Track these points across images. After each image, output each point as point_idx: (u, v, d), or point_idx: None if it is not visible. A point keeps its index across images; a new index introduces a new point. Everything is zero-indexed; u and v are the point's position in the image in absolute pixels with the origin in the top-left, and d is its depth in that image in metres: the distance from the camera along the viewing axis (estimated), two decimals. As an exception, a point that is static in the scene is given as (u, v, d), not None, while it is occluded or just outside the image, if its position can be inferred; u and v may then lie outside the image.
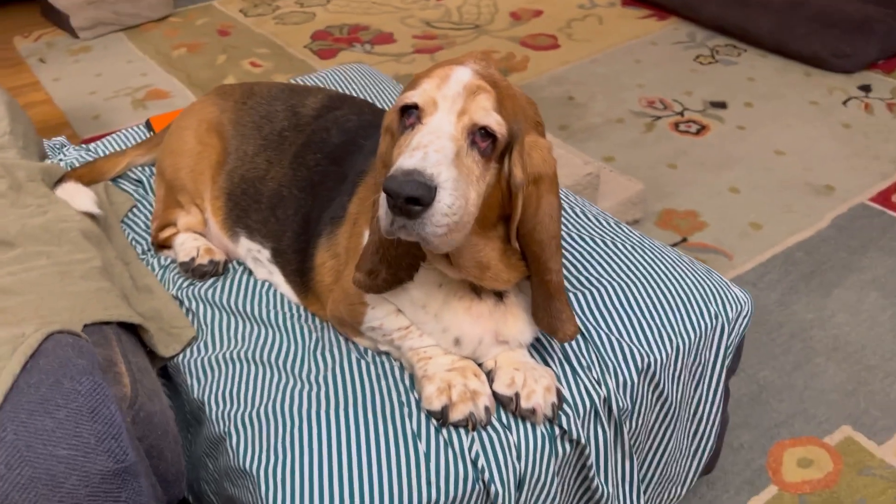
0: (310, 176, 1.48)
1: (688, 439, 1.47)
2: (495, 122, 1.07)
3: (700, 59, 3.69)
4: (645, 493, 1.42)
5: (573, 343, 1.33)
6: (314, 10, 4.46)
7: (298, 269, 1.44)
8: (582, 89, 3.47)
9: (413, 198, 0.96)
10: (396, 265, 1.20)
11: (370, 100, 2.06)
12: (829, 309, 2.26)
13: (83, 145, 1.97)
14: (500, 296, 1.28)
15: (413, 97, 1.09)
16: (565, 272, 1.46)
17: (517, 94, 1.16)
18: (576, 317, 1.35)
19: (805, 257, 2.45)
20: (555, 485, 1.24)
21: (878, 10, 3.55)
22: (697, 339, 1.37)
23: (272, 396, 1.26)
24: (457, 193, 1.01)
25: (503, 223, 1.19)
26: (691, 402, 1.43)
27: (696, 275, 1.44)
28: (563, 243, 1.51)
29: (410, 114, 1.10)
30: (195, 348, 1.39)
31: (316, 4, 4.53)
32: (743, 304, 1.43)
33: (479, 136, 1.07)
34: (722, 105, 3.29)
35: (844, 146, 3.00)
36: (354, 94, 2.07)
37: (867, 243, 2.50)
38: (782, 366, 2.09)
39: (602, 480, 1.29)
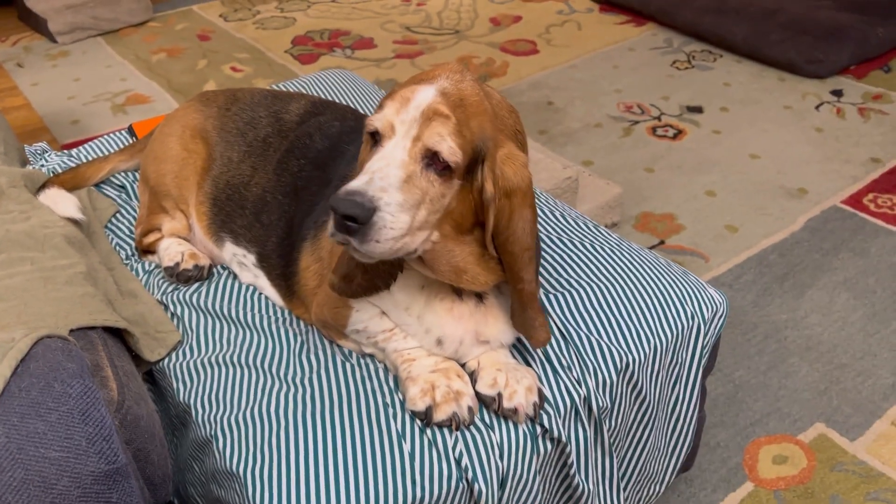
0: (294, 181, 1.50)
1: (666, 437, 1.51)
2: (447, 149, 1.10)
3: (677, 64, 3.75)
4: (624, 490, 1.46)
5: (553, 344, 1.36)
6: (295, 15, 4.47)
7: (283, 273, 1.46)
8: (561, 94, 3.52)
9: (349, 216, 1.03)
10: (373, 272, 1.24)
11: (352, 105, 2.08)
12: (802, 310, 2.31)
13: (65, 151, 1.97)
14: (480, 297, 1.30)
15: (374, 122, 1.14)
16: (545, 274, 1.49)
17: (493, 106, 1.17)
18: (550, 323, 1.38)
19: (779, 259, 2.50)
20: (537, 482, 1.27)
21: (850, 18, 3.64)
22: (674, 339, 1.40)
23: (258, 399, 1.27)
24: (399, 215, 1.07)
25: (480, 228, 1.22)
26: (669, 401, 1.47)
27: (672, 277, 1.48)
28: (543, 246, 1.55)
29: (375, 134, 1.15)
30: (180, 352, 1.40)
31: (296, 9, 4.54)
32: (718, 305, 1.47)
33: (438, 158, 1.11)
34: (698, 110, 3.35)
35: (817, 150, 3.06)
36: (336, 100, 2.09)
37: (839, 245, 2.56)
38: (757, 366, 2.14)
39: (583, 478, 1.32)
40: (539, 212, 1.65)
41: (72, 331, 1.19)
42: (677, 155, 3.06)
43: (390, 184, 1.07)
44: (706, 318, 1.45)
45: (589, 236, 1.59)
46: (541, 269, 1.45)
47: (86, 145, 1.98)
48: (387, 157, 1.09)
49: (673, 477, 1.57)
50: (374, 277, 1.25)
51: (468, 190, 1.15)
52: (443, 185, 1.12)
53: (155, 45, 4.11)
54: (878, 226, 2.63)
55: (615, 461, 1.38)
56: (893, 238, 2.58)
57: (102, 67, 3.88)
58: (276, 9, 4.56)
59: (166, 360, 1.39)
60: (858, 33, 3.56)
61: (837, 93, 3.45)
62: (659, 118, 3.30)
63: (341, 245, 1.11)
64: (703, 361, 1.47)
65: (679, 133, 3.19)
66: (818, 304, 2.33)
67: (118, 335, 1.36)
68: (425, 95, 1.12)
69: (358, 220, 1.04)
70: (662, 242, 2.58)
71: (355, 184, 1.06)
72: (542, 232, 1.60)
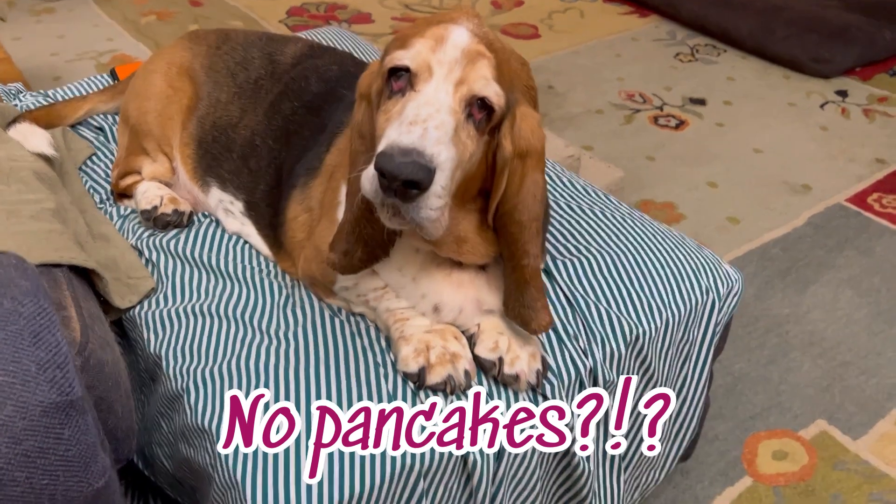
0: (285, 125, 1.39)
1: (670, 420, 1.41)
2: (495, 94, 0.98)
3: (680, 56, 3.67)
4: (624, 472, 1.36)
5: (560, 311, 1.26)
6: (291, -14, 4.33)
7: (271, 223, 1.35)
8: (562, 79, 3.42)
9: (412, 181, 0.88)
10: (372, 243, 1.12)
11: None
12: (804, 305, 2.23)
13: (41, 91, 1.84)
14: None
15: (404, 58, 0.97)
16: (552, 240, 1.39)
17: (511, 57, 1.07)
18: (555, 293, 1.28)
19: (781, 254, 2.42)
20: (535, 458, 1.17)
21: (858, 19, 3.57)
22: (687, 314, 1.31)
23: (236, 351, 1.16)
24: (450, 175, 0.93)
25: (482, 197, 1.12)
26: (676, 381, 1.38)
27: (687, 248, 1.39)
28: (551, 212, 1.45)
29: (399, 77, 0.99)
30: (154, 300, 1.28)
31: (293, -19, 4.41)
32: (734, 281, 1.38)
33: (477, 107, 0.98)
34: (701, 102, 3.27)
35: (821, 148, 2.99)
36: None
37: (843, 243, 2.48)
38: (758, 359, 2.06)
39: (583, 457, 1.22)
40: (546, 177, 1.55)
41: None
42: (679, 145, 2.97)
43: (446, 133, 0.91)
44: (721, 293, 1.35)
45: (599, 203, 1.49)
46: (547, 235, 1.35)
47: (65, 86, 1.86)
48: (433, 103, 0.93)
49: (674, 464, 1.48)
50: (374, 248, 1.13)
51: (484, 150, 1.04)
52: (478, 140, 1.00)
53: (145, 7, 3.96)
54: (884, 226, 2.56)
55: (618, 441, 1.29)
56: (898, 238, 2.51)
57: (89, 26, 3.73)
58: (273, -21, 4.42)
59: (137, 308, 1.28)
60: (866, 35, 3.50)
61: (842, 93, 3.38)
62: (661, 108, 3.21)
63: (380, 212, 0.96)
64: (714, 341, 1.38)
65: (681, 123, 3.11)
66: (821, 300, 2.25)
67: (86, 278, 1.25)
68: (462, 34, 0.99)
69: (421, 185, 0.89)
70: (662, 230, 2.49)
71: (408, 138, 0.89)
72: (549, 198, 1.49)
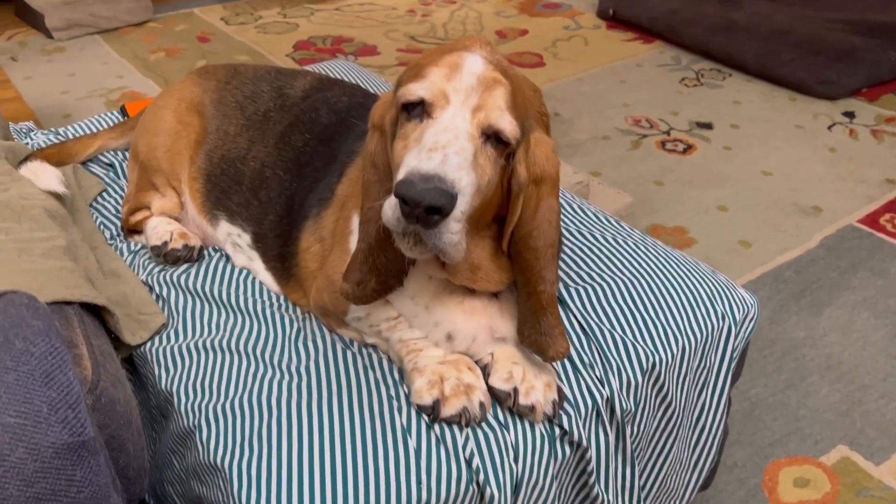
0: (296, 157, 1.39)
1: (689, 449, 1.39)
2: (509, 125, 0.98)
3: (685, 81, 3.68)
4: (643, 503, 1.33)
5: (574, 340, 1.24)
6: (297, 20, 4.39)
7: (280, 254, 1.34)
8: (567, 106, 3.43)
9: (434, 207, 0.88)
10: (386, 272, 1.11)
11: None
12: (820, 328, 2.21)
13: (52, 129, 1.86)
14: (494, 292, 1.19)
15: (419, 91, 0.98)
16: (565, 268, 1.38)
17: (524, 84, 1.08)
18: (569, 320, 1.27)
19: (795, 276, 2.40)
20: (553, 489, 1.14)
21: (862, 41, 3.58)
22: (704, 340, 1.29)
23: (248, 387, 1.15)
24: (470, 200, 0.93)
25: (496, 223, 1.11)
26: (694, 409, 1.35)
27: (701, 274, 1.37)
28: (563, 239, 1.44)
29: (415, 105, 0.99)
30: (164, 336, 1.27)
31: (299, 16, 4.47)
32: (750, 306, 1.36)
33: (492, 135, 0.98)
34: (708, 126, 3.27)
35: (830, 169, 2.98)
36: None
37: (857, 264, 2.46)
38: (775, 383, 2.03)
39: (602, 488, 1.20)
40: (556, 205, 1.55)
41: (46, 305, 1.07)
42: (687, 169, 2.97)
43: (466, 159, 0.91)
44: (737, 318, 1.34)
45: (611, 230, 1.48)
46: (559, 263, 1.34)
47: (75, 124, 1.87)
48: (452, 129, 0.93)
49: (694, 494, 1.45)
50: (388, 278, 1.12)
51: (500, 175, 1.04)
52: (495, 165, 0.99)
53: (154, 44, 4.02)
54: (897, 246, 2.54)
55: (636, 471, 1.26)
56: (913, 259, 2.48)
57: (99, 64, 3.78)
58: (279, 14, 4.49)
59: (148, 345, 1.27)
60: (872, 56, 3.50)
61: (850, 114, 3.38)
62: (668, 132, 3.21)
63: (399, 242, 0.95)
64: (731, 367, 1.36)
65: (689, 148, 3.10)
66: (837, 322, 2.22)
67: (97, 315, 1.24)
68: (476, 62, 0.99)
69: (443, 210, 0.88)
70: (674, 255, 2.48)
71: (429, 165, 0.89)
72: (561, 225, 1.49)
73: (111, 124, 1.85)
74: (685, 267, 1.38)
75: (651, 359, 1.23)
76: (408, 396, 1.13)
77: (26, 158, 1.55)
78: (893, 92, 3.56)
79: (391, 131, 1.04)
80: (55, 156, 1.61)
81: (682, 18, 3.97)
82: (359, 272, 1.11)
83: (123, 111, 1.95)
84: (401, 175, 0.91)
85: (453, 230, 0.92)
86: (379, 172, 1.09)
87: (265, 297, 1.34)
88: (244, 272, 1.40)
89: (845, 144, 3.16)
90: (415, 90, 0.98)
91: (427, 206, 0.87)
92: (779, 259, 2.48)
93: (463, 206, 0.92)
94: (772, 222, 2.66)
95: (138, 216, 1.50)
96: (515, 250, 1.10)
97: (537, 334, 1.10)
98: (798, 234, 2.60)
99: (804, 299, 2.31)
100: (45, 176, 1.48)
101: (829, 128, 3.27)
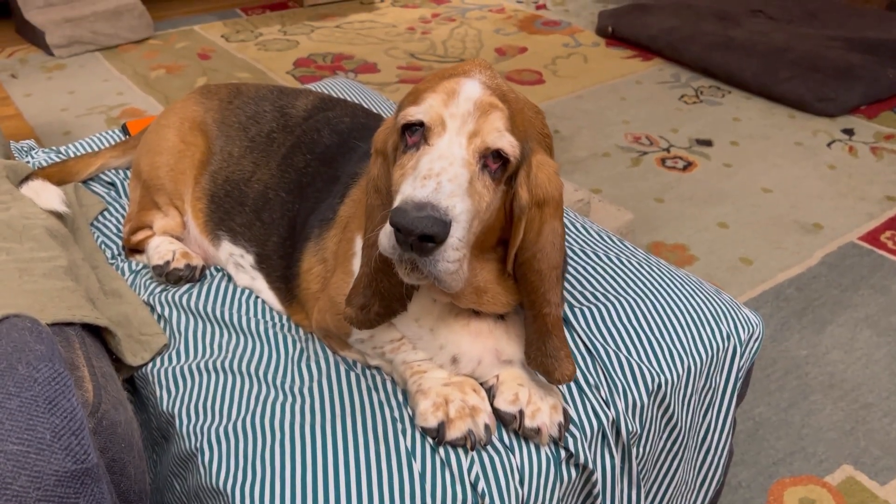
0: (298, 178, 1.39)
1: (695, 470, 1.37)
2: (509, 145, 0.97)
3: (685, 98, 3.69)
4: (650, 527, 1.32)
5: (580, 361, 1.23)
6: (298, 38, 4.41)
7: (283, 275, 1.34)
8: (567, 123, 3.44)
9: (427, 235, 0.88)
10: (389, 297, 1.10)
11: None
12: (822, 346, 2.20)
13: (53, 147, 1.85)
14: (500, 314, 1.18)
15: (417, 114, 0.98)
16: (569, 287, 1.37)
17: (525, 106, 1.08)
18: (574, 341, 1.26)
19: (796, 294, 2.40)
20: (559, 513, 1.13)
21: (861, 58, 3.60)
22: (709, 360, 1.28)
23: (250, 409, 1.14)
24: (467, 226, 0.93)
25: (501, 246, 1.11)
26: (700, 430, 1.34)
27: (706, 293, 1.37)
28: (567, 258, 1.43)
29: (414, 132, 0.99)
30: (166, 357, 1.26)
31: (300, 33, 4.49)
32: (755, 325, 1.35)
33: (491, 158, 0.98)
34: (708, 143, 3.28)
35: (830, 186, 2.99)
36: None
37: (858, 281, 2.46)
38: (778, 402, 2.02)
39: (608, 511, 1.19)
40: (559, 224, 1.54)
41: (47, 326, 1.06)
42: (688, 186, 2.97)
43: (460, 186, 0.91)
44: (742, 338, 1.33)
45: (615, 249, 1.47)
46: (563, 283, 1.33)
47: (76, 142, 1.87)
48: (447, 156, 0.94)
49: (699, 515, 1.44)
50: (391, 302, 1.11)
51: (501, 201, 1.03)
52: (494, 190, 0.99)
53: (154, 61, 4.03)
54: (898, 263, 2.54)
55: (642, 493, 1.25)
56: (914, 276, 2.48)
57: (99, 81, 3.79)
58: (279, 31, 4.50)
59: (150, 366, 1.26)
60: (870, 74, 3.52)
61: (849, 131, 3.39)
62: (668, 150, 3.22)
63: (398, 268, 0.95)
64: (737, 387, 1.35)
65: (689, 165, 3.11)
66: (839, 340, 2.22)
67: (98, 336, 1.23)
68: (473, 87, 0.99)
69: (436, 238, 0.89)
70: (675, 272, 2.47)
71: (422, 193, 0.89)
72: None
73: (113, 143, 1.84)
74: (690, 286, 1.37)
75: (657, 380, 1.22)
76: (412, 418, 1.12)
77: (28, 177, 1.55)
78: (892, 109, 3.57)
79: (393, 156, 1.04)
80: (57, 175, 1.60)
81: (682, 36, 3.99)
82: (362, 296, 1.11)
83: (125, 130, 1.94)
84: (396, 203, 0.91)
85: (450, 258, 0.91)
86: (381, 197, 1.08)
87: (268, 317, 1.34)
88: (246, 292, 1.39)
89: (845, 161, 3.16)
90: (413, 113, 0.98)
91: (420, 234, 0.87)
92: (780, 276, 2.47)
93: (459, 233, 0.91)
94: (772, 239, 2.66)
95: (140, 235, 1.49)
96: (520, 273, 1.09)
97: (543, 356, 1.09)
98: (799, 251, 2.60)
99: (806, 317, 2.30)
100: (46, 195, 1.47)
101: (829, 145, 3.28)
